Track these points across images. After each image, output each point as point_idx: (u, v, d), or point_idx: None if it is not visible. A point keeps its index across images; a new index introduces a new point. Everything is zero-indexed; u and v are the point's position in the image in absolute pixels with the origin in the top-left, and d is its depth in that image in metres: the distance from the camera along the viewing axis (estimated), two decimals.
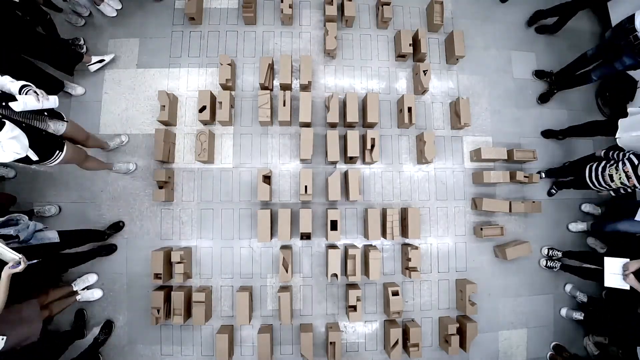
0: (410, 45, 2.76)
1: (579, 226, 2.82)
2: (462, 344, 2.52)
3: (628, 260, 2.12)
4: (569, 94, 2.99)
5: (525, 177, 2.69)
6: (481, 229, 2.68)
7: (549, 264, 2.74)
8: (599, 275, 2.23)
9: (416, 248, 2.57)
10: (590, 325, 2.62)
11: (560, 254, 2.73)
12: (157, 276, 2.40)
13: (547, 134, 2.92)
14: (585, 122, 2.58)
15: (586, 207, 2.86)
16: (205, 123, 2.69)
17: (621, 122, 2.12)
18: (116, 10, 2.81)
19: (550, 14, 2.89)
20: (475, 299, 2.61)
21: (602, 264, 2.22)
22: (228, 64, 2.61)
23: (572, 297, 2.76)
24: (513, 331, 2.74)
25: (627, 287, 2.11)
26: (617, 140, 2.13)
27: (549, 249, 2.77)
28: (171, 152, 2.64)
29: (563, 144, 2.94)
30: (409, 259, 2.53)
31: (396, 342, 2.44)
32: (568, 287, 2.77)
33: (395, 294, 2.48)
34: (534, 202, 2.73)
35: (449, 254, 2.76)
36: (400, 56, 2.87)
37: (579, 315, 2.65)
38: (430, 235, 2.76)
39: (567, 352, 2.64)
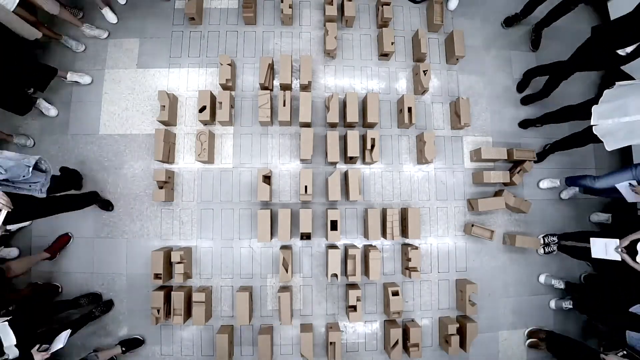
0: (392, 44, 2.75)
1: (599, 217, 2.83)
2: (462, 344, 2.52)
3: (611, 240, 2.14)
4: (569, 95, 2.98)
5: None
6: (472, 225, 2.67)
7: (546, 250, 2.75)
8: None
9: (416, 248, 2.57)
10: (581, 311, 2.60)
11: (555, 239, 2.75)
12: (157, 276, 2.40)
13: (524, 124, 2.91)
14: (560, 107, 2.57)
15: (544, 184, 2.87)
16: (205, 123, 2.69)
17: (595, 109, 2.12)
18: (117, 17, 2.80)
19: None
20: (475, 299, 2.61)
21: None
22: (228, 64, 2.61)
23: (548, 286, 2.76)
24: (513, 331, 2.74)
25: (613, 258, 2.11)
26: (594, 128, 2.12)
27: (543, 236, 2.79)
28: (171, 152, 2.64)
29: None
30: (409, 259, 2.53)
31: (396, 342, 2.44)
32: (542, 278, 2.77)
33: (395, 294, 2.48)
34: (525, 200, 2.74)
35: (449, 254, 2.76)
36: (383, 55, 2.87)
37: (568, 304, 2.64)
38: (430, 235, 2.76)
39: (543, 331, 2.67)
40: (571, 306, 2.62)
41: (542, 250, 2.77)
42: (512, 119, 2.95)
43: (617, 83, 2.08)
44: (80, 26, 2.66)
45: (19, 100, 2.45)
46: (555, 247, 2.73)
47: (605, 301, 2.36)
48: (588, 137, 2.24)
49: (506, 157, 2.70)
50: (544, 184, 2.86)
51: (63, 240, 2.53)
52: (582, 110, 2.25)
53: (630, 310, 2.08)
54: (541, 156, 2.87)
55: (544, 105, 2.84)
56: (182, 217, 2.64)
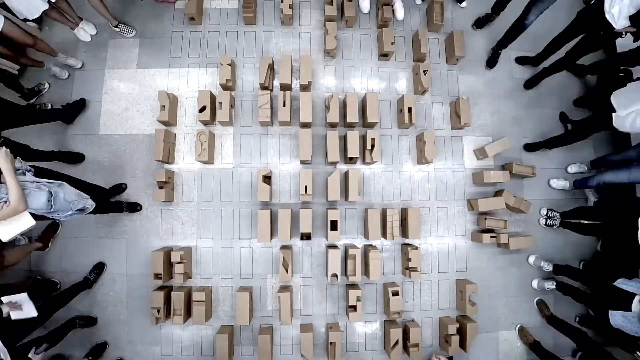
0: (392, 44, 2.76)
1: (560, 183, 2.84)
2: (462, 344, 2.52)
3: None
4: (568, 94, 2.99)
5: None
6: (485, 219, 2.66)
7: (548, 222, 2.78)
8: (598, 230, 2.31)
9: (416, 248, 2.57)
10: (564, 292, 2.59)
11: (558, 215, 2.77)
12: (157, 276, 2.40)
13: (530, 147, 2.89)
14: (561, 133, 2.68)
15: (572, 168, 2.89)
16: (205, 123, 2.69)
17: (613, 98, 2.14)
18: (91, 35, 2.77)
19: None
20: (475, 299, 2.61)
21: (596, 220, 2.34)
22: (228, 64, 2.61)
23: (537, 267, 2.75)
24: (513, 331, 2.74)
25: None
26: (614, 117, 2.15)
27: (547, 209, 2.81)
28: (171, 152, 2.63)
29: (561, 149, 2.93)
30: (409, 259, 2.53)
31: (396, 342, 2.44)
32: (531, 259, 2.77)
33: (395, 294, 2.48)
34: (525, 200, 2.74)
35: (449, 254, 2.76)
36: (383, 55, 2.87)
37: (550, 285, 2.65)
38: (430, 235, 2.76)
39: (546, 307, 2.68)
40: (554, 286, 2.63)
41: (543, 221, 2.80)
42: (512, 119, 2.95)
43: (628, 84, 2.14)
44: (55, 55, 2.62)
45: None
46: (557, 222, 2.75)
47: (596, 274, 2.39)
48: (590, 128, 2.30)
49: (510, 147, 2.72)
50: (572, 168, 2.88)
51: (52, 229, 2.55)
52: (581, 133, 2.37)
53: (614, 284, 2.01)
54: (532, 148, 2.89)
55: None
56: (182, 217, 2.64)
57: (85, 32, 2.74)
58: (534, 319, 2.75)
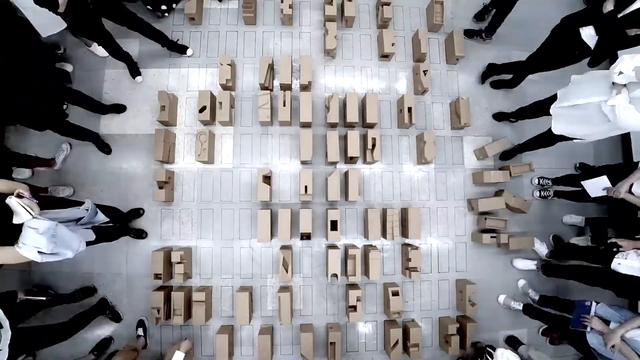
0: (392, 45, 2.75)
1: (573, 219, 2.84)
2: (462, 344, 2.52)
3: (601, 177, 2.15)
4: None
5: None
6: (485, 219, 2.66)
7: (542, 194, 2.79)
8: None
9: (416, 248, 2.57)
10: (531, 316, 2.56)
11: (550, 182, 2.78)
12: (157, 276, 2.40)
13: (498, 116, 2.90)
14: (532, 102, 2.54)
15: (570, 219, 2.86)
16: (205, 123, 2.69)
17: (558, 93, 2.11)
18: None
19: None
20: (476, 299, 2.61)
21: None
22: (228, 64, 2.61)
23: (524, 293, 2.72)
24: (513, 331, 2.74)
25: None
26: (550, 109, 2.10)
27: (539, 178, 2.82)
28: (171, 152, 2.64)
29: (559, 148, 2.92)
30: (409, 259, 2.53)
31: (396, 342, 2.44)
32: (501, 298, 2.72)
33: (395, 294, 2.48)
34: (525, 200, 2.74)
35: (449, 254, 2.76)
36: (384, 56, 2.87)
37: (517, 306, 2.62)
38: (431, 235, 2.76)
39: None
40: (520, 308, 2.60)
41: (537, 194, 2.81)
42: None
43: (572, 77, 2.05)
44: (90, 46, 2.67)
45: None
46: (551, 192, 2.77)
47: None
48: (552, 136, 2.21)
49: (511, 146, 2.73)
50: (570, 219, 2.85)
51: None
52: (550, 103, 2.21)
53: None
54: (508, 155, 2.81)
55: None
56: (182, 217, 2.64)
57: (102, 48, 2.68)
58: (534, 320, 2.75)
